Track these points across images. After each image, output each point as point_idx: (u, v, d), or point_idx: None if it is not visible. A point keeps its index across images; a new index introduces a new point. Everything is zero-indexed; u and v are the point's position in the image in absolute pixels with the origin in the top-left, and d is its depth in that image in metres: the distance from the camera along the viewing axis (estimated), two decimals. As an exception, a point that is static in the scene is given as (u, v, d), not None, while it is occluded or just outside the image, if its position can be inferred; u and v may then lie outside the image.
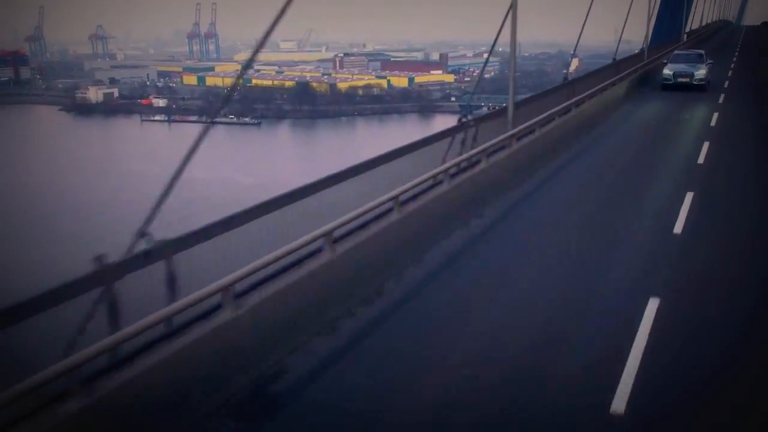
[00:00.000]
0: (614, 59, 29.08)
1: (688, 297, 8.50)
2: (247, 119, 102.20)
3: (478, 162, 12.16)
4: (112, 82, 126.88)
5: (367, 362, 7.03)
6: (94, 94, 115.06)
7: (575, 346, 7.34)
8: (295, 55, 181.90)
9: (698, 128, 20.59)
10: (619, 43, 31.97)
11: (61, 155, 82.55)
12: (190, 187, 70.21)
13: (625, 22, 32.59)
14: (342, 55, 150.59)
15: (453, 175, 11.16)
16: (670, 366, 6.83)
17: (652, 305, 7.91)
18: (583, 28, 26.52)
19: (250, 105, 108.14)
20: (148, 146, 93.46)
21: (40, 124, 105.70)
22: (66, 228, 51.94)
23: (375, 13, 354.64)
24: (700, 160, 16.01)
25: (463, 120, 12.81)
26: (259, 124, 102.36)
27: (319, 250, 7.86)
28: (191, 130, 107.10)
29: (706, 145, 17.04)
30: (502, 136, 13.25)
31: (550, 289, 8.84)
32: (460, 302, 8.49)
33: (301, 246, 7.40)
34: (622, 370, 6.56)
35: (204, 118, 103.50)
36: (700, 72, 27.54)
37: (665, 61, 29.20)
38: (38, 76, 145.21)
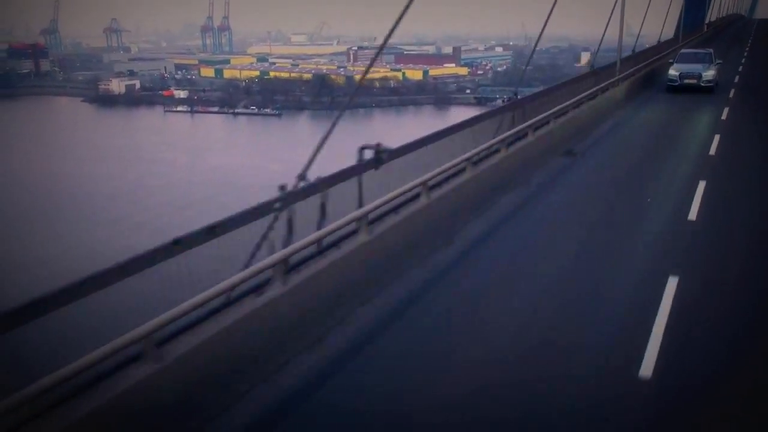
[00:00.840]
0: (633, 50, 29.74)
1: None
2: (268, 110, 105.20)
3: (525, 134, 14.11)
4: (131, 74, 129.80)
5: (409, 328, 7.79)
6: (117, 86, 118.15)
7: (604, 317, 7.99)
8: (307, 49, 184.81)
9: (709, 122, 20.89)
10: (638, 38, 33.39)
11: (93, 144, 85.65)
12: (229, 172, 72.97)
13: (645, 15, 33.67)
14: (356, 48, 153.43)
15: (509, 144, 12.96)
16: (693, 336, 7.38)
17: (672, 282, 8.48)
18: (607, 27, 24.98)
19: (270, 96, 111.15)
20: (174, 136, 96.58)
21: (67, 115, 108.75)
22: (122, 210, 54.99)
23: (384, 7, 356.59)
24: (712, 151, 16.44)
25: (507, 100, 16.65)
26: (279, 115, 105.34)
27: (354, 232, 8.35)
28: (213, 120, 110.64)
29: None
30: (545, 114, 15.23)
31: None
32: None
33: (341, 227, 7.99)
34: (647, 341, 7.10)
35: (226, 109, 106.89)
36: (709, 73, 25.92)
37: (671, 60, 27.67)
38: (56, 69, 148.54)
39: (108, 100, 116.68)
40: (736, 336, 7.33)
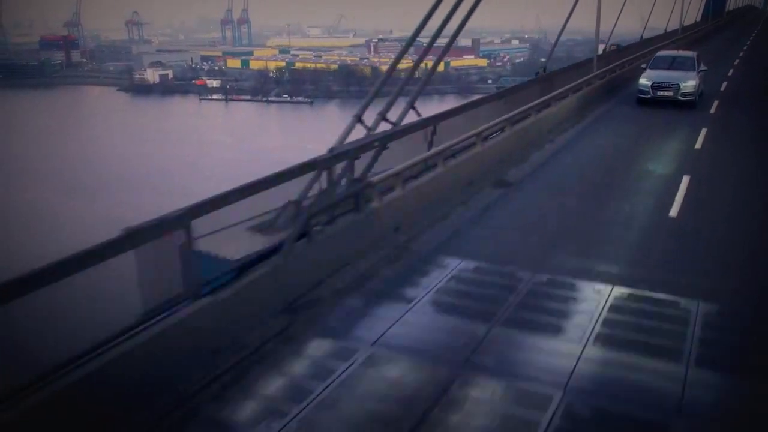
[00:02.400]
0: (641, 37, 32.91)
1: None
2: (300, 98, 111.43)
3: (565, 96, 17.92)
4: (159, 65, 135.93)
5: (498, 216, 10.72)
6: (151, 75, 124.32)
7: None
8: (325, 41, 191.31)
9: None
10: (645, 26, 34.91)
11: (143, 128, 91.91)
12: (273, 152, 79.08)
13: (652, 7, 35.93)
14: (376, 40, 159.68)
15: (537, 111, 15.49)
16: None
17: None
18: (618, 18, 27.06)
19: (300, 86, 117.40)
20: (215, 121, 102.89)
21: (108, 103, 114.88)
22: (190, 184, 61.11)
23: (396, 1, 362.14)
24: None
25: (541, 72, 18.52)
26: (311, 102, 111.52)
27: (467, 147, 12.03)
28: (246, 107, 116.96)
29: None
30: (582, 78, 20.71)
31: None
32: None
33: (459, 142, 11.66)
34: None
35: (260, 97, 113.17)
36: (688, 84, 20.53)
37: (644, 65, 22.36)
38: (85, 60, 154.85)
39: (142, 89, 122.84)
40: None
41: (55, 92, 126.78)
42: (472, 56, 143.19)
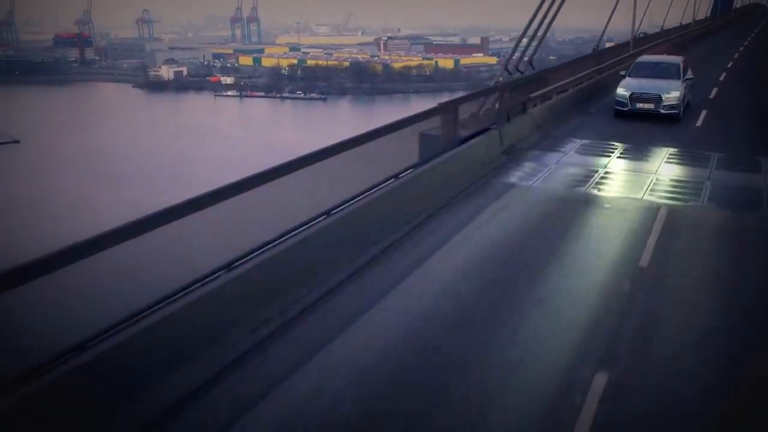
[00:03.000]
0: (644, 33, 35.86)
1: None
2: (313, 95, 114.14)
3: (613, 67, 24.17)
4: (173, 62, 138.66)
5: (587, 128, 17.63)
6: (166, 72, 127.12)
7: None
8: (333, 39, 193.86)
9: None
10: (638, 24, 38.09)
11: (162, 124, 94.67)
12: (292, 145, 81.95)
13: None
14: (386, 38, 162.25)
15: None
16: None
17: None
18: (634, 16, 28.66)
19: (312, 82, 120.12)
20: (231, 117, 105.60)
21: (125, 99, 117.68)
22: (220, 176, 63.94)
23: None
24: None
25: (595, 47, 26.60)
26: (324, 99, 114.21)
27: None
28: (261, 104, 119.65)
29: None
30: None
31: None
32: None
33: (565, 84, 19.40)
34: None
35: (274, 93, 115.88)
36: (672, 94, 18.36)
37: (623, 73, 20.22)
38: (98, 57, 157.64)
39: (157, 86, 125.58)
40: None
41: (72, 88, 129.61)
42: (481, 54, 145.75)
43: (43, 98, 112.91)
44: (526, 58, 19.29)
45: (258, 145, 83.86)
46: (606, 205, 11.47)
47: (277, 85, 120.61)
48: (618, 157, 14.68)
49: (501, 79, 18.22)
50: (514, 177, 12.89)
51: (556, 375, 6.36)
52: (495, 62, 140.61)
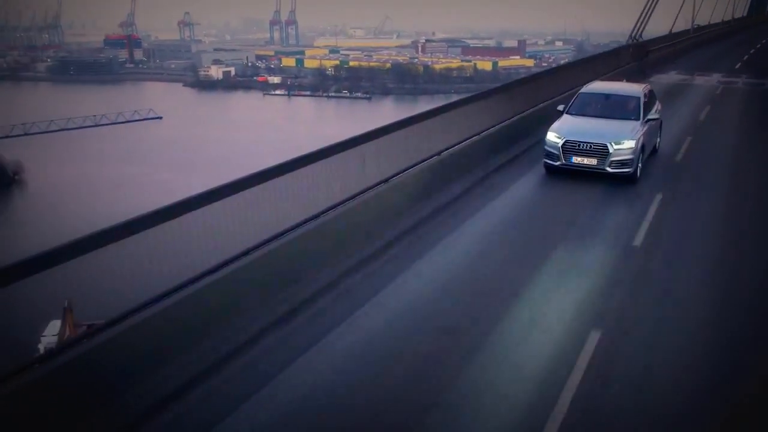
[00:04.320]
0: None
1: None
2: (359, 94, 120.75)
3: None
4: (220, 62, 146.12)
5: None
6: (215, 72, 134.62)
7: None
8: (370, 42, 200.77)
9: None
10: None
11: (218, 119, 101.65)
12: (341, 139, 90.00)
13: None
14: (424, 40, 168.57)
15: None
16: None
17: None
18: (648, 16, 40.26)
19: (356, 82, 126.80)
20: (281, 113, 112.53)
21: (181, 96, 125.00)
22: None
23: (438, 3, 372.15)
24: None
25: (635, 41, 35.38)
26: (369, 98, 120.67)
27: None
28: (307, 102, 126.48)
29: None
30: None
31: None
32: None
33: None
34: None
35: (320, 92, 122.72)
36: (624, 145, 13.39)
37: (561, 108, 14.98)
38: (145, 58, 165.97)
39: (207, 85, 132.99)
40: None
41: (125, 87, 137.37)
42: (518, 57, 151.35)
43: (102, 95, 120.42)
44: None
45: (314, 137, 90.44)
46: None
47: (322, 84, 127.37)
48: None
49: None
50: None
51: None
52: (532, 64, 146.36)
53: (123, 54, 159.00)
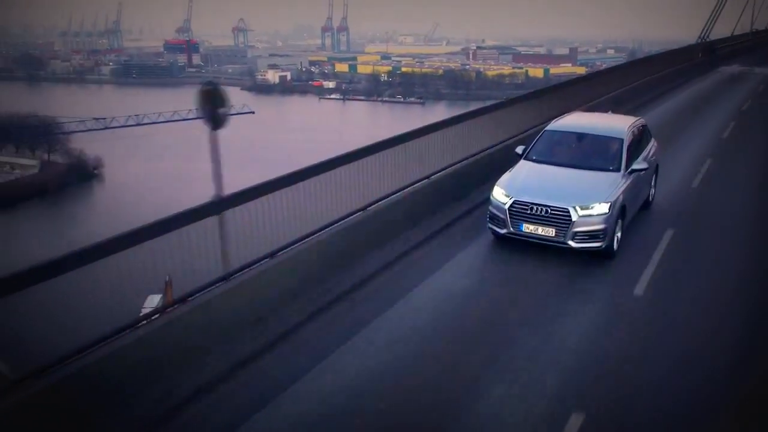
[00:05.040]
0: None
1: None
2: (413, 99, 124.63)
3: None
4: (276, 67, 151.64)
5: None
6: (272, 77, 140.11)
7: None
8: (420, 49, 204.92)
9: None
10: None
11: (281, 120, 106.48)
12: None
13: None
14: (474, 47, 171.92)
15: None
16: None
17: None
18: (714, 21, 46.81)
19: (410, 88, 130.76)
20: (338, 116, 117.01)
21: (241, 99, 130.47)
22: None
23: (485, 11, 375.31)
24: None
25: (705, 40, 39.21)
26: (423, 103, 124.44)
27: None
28: (362, 106, 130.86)
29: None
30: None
31: None
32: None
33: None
34: None
35: (374, 97, 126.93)
36: (595, 210, 9.89)
37: (519, 150, 11.49)
38: (202, 63, 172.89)
39: (264, 89, 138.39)
40: None
41: (185, 90, 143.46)
42: (570, 64, 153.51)
43: (165, 96, 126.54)
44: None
45: (370, 138, 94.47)
46: None
47: (376, 89, 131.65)
48: None
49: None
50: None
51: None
52: (584, 72, 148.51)
53: (182, 58, 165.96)
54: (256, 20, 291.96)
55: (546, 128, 11.76)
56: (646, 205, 12.23)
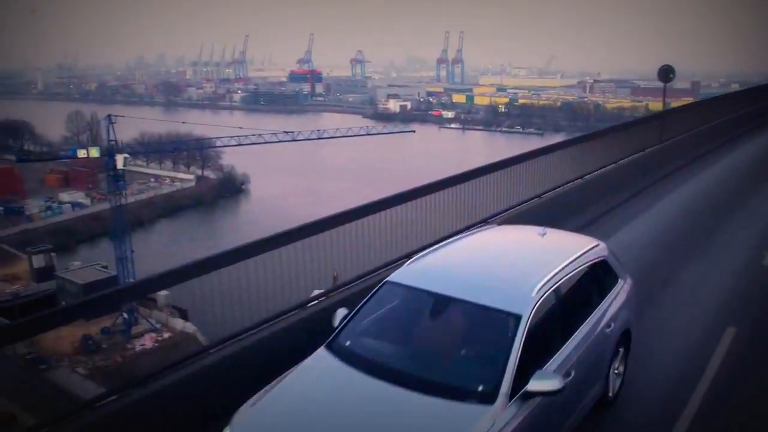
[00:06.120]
0: None
1: None
2: (531, 130, 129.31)
3: None
4: (396, 97, 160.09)
5: None
6: (393, 106, 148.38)
7: None
8: (535, 81, 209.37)
9: None
10: None
11: (407, 147, 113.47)
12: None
13: None
14: (591, 80, 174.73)
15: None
16: None
17: None
18: None
19: (528, 119, 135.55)
20: (460, 144, 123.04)
21: (364, 127, 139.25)
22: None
23: (602, 44, 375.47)
24: None
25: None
26: (542, 134, 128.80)
27: None
28: (481, 136, 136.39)
29: None
30: None
31: None
32: None
33: None
34: None
35: (493, 127, 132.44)
36: None
37: (337, 315, 5.73)
38: (323, 92, 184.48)
39: (384, 117, 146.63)
40: None
41: (310, 116, 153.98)
42: (691, 98, 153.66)
43: (294, 121, 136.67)
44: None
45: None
46: None
47: (494, 120, 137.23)
48: None
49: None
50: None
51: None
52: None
53: (305, 87, 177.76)
54: (371, 52, 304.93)
55: (388, 278, 5.98)
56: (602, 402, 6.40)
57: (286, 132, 67.40)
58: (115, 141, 50.32)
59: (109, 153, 49.82)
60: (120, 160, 49.22)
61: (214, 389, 5.74)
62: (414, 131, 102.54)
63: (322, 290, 7.18)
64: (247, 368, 5.84)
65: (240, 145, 69.52)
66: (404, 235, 8.28)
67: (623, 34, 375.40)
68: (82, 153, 56.60)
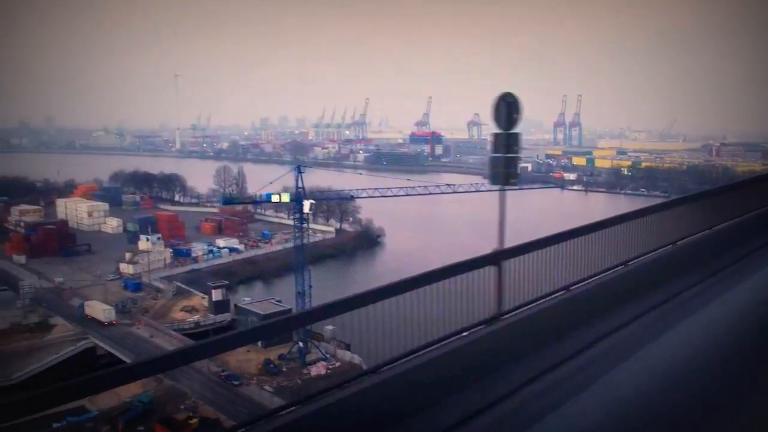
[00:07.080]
0: None
1: None
2: (657, 193, 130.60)
3: None
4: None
5: None
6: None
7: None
8: (655, 145, 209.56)
9: None
10: None
11: (532, 207, 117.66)
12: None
13: None
14: (718, 144, 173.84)
15: None
16: None
17: None
18: None
19: (653, 182, 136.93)
20: (581, 206, 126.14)
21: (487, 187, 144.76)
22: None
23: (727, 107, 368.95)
24: None
25: None
26: (668, 196, 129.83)
27: None
28: (603, 198, 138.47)
29: None
30: None
31: None
32: None
33: None
34: None
35: (617, 190, 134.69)
36: None
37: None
38: (441, 153, 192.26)
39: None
40: None
41: (431, 176, 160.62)
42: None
43: (415, 182, 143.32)
44: None
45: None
46: None
47: (618, 182, 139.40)
48: None
49: None
50: None
51: None
52: None
53: (425, 149, 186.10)
54: (487, 113, 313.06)
55: None
56: None
57: (447, 185, 72.91)
58: (303, 189, 57.74)
59: (297, 199, 57.33)
60: (306, 205, 56.51)
61: (377, 406, 6.38)
62: (561, 188, 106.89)
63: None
64: (403, 390, 6.50)
65: (384, 196, 76.14)
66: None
67: (746, 97, 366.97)
68: (275, 198, 65.24)
